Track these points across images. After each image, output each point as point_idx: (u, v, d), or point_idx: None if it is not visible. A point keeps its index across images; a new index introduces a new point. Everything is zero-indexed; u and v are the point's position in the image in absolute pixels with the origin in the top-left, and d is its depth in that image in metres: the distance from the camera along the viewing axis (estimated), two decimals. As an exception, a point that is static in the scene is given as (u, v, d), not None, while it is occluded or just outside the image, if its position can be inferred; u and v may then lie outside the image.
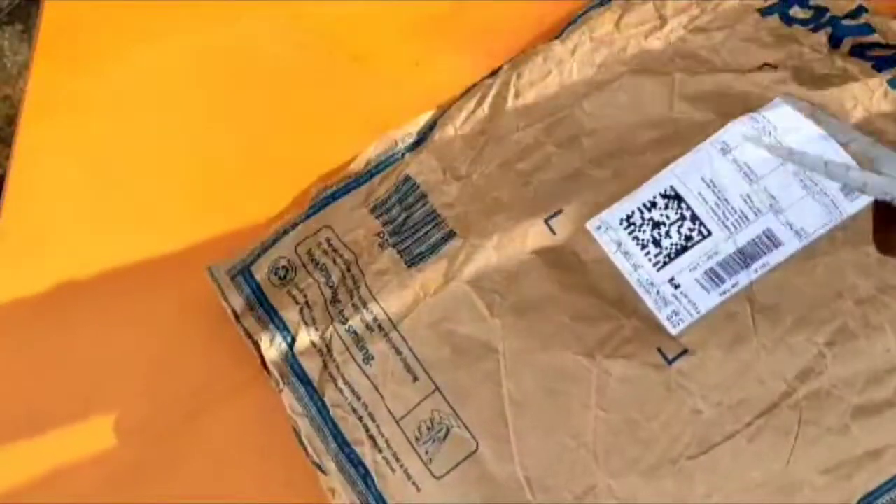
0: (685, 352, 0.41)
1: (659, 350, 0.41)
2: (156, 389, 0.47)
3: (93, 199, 0.51)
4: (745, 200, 0.43)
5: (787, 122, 0.44)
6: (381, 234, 0.46)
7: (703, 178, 0.43)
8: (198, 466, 0.45)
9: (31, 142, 0.53)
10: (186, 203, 0.50)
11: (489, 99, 0.48)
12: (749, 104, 0.45)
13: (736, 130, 0.44)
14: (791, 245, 0.42)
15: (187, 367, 0.47)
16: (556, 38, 0.49)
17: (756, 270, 0.42)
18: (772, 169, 0.43)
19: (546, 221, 0.44)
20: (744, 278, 0.42)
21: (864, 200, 0.42)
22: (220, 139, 0.52)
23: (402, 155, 0.48)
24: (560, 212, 0.44)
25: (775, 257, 0.42)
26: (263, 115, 0.52)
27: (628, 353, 0.41)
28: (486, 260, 0.44)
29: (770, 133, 0.44)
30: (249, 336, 0.45)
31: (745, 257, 0.42)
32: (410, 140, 0.49)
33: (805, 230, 0.42)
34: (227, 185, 0.50)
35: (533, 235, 0.44)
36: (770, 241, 0.42)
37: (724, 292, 0.42)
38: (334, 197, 0.48)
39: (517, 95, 0.48)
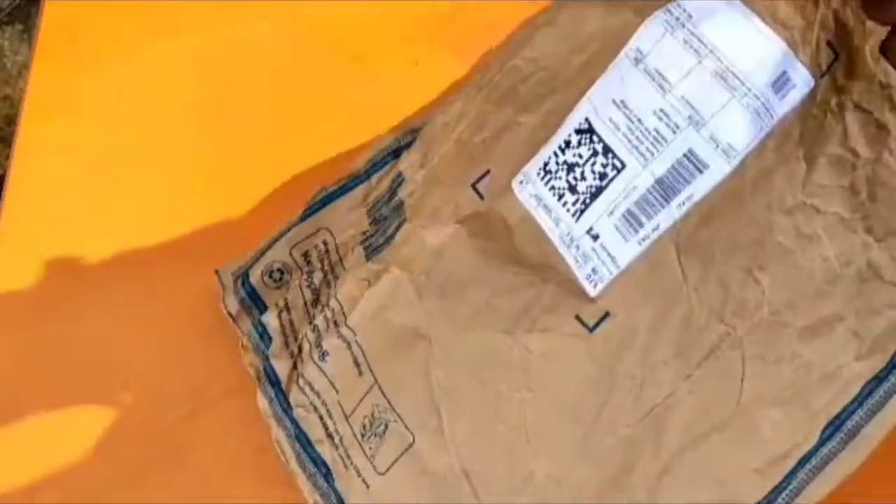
0: (606, 315, 0.36)
1: (578, 318, 0.36)
2: (156, 389, 0.47)
3: (93, 199, 0.51)
4: (659, 117, 0.36)
5: (703, 4, 0.36)
6: (365, 233, 0.44)
7: (614, 101, 0.36)
8: (198, 466, 0.45)
9: (31, 142, 0.53)
10: (186, 203, 0.50)
11: (473, 85, 0.45)
12: None
13: (650, 31, 0.36)
14: (718, 168, 0.35)
15: (187, 367, 0.47)
16: None
17: (679, 205, 0.35)
18: (687, 71, 0.35)
19: (474, 186, 0.40)
20: (665, 219, 0.36)
21: (797, 95, 0.35)
22: (220, 139, 0.52)
23: (400, 153, 0.48)
24: (487, 173, 0.40)
25: (701, 186, 0.35)
26: (263, 116, 0.52)
27: (546, 326, 0.37)
28: (420, 241, 0.40)
29: (684, 24, 0.36)
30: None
31: (665, 190, 0.36)
32: (409, 139, 0.48)
33: (733, 146, 0.35)
34: (227, 184, 0.50)
35: (462, 204, 0.40)
36: (693, 164, 0.35)
37: (645, 239, 0.36)
38: (332, 198, 0.47)
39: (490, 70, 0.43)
